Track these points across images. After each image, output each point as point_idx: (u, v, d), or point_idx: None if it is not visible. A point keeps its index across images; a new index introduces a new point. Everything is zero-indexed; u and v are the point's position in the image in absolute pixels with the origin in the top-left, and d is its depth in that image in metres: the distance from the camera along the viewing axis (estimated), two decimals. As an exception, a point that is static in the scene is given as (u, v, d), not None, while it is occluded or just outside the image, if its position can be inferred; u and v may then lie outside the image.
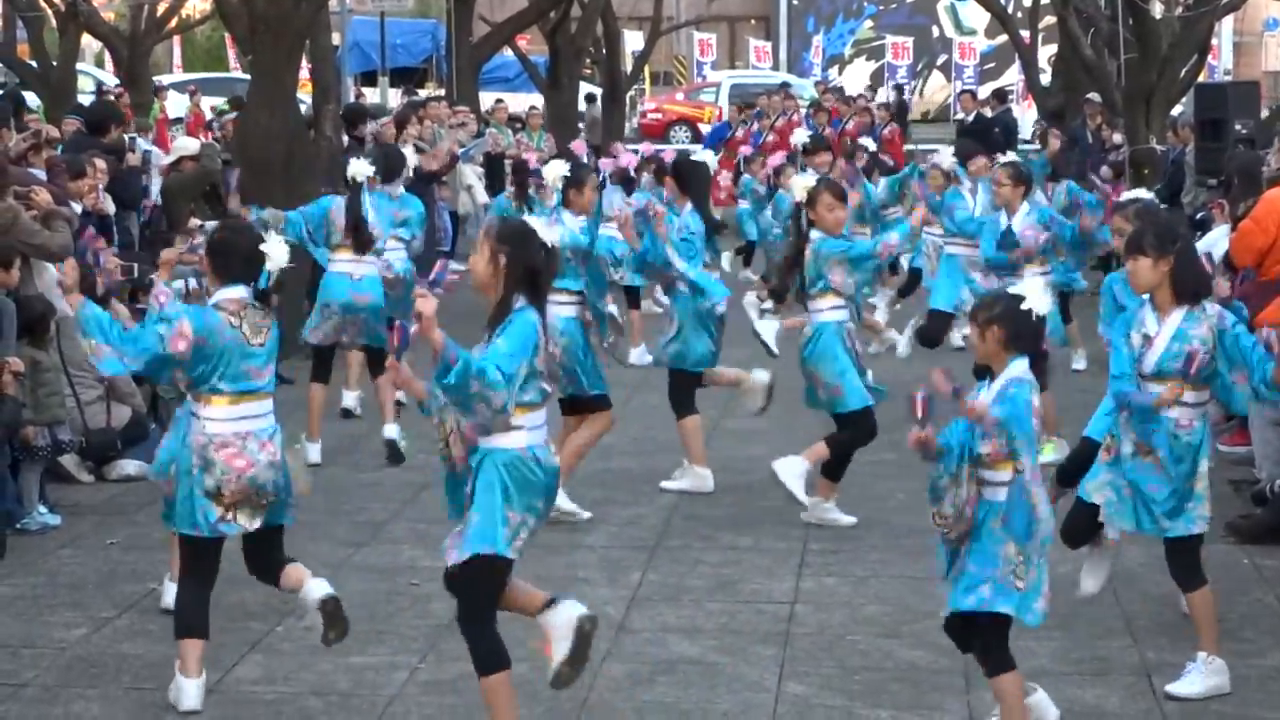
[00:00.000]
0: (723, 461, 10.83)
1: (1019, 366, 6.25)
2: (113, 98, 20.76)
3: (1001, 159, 11.97)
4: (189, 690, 6.87)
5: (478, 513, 6.09)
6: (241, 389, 6.80)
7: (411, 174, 15.53)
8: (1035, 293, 6.36)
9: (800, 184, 9.66)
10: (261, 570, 7.15)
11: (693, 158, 11.45)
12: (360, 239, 11.19)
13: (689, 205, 10.63)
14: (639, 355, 14.39)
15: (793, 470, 9.58)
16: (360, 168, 11.33)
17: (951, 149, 14.53)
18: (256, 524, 6.90)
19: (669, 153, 16.79)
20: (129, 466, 10.70)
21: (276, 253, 6.80)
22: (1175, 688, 7.08)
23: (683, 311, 10.42)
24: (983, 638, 6.29)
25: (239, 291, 6.81)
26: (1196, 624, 7.19)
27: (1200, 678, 7.08)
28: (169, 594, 8.02)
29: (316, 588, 6.97)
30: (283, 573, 7.07)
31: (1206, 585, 7.19)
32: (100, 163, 12.83)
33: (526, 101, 28.72)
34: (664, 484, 10.53)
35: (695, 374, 10.50)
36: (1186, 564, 7.20)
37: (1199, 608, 7.18)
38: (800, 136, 15.64)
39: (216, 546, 6.99)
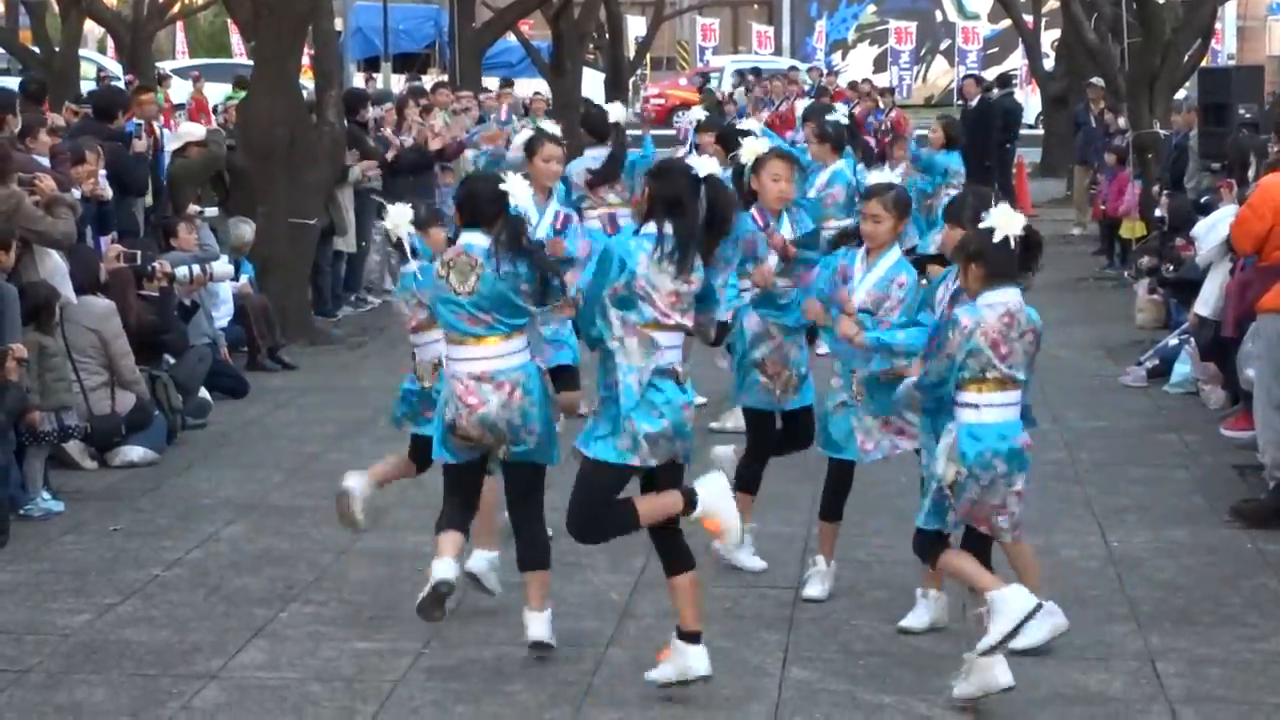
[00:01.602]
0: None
1: (999, 296, 6.59)
2: (124, 85, 20.72)
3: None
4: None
5: (598, 419, 6.66)
6: (466, 333, 7.00)
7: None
8: (1002, 218, 6.56)
9: (750, 147, 8.60)
10: (512, 508, 7.28)
11: (739, 125, 11.59)
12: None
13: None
14: None
15: (733, 539, 7.73)
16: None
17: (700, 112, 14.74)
18: (474, 453, 7.13)
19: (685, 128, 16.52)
20: (132, 453, 10.69)
21: (519, 189, 7.00)
22: (905, 623, 7.49)
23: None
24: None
25: (472, 236, 7.00)
26: (933, 574, 7.40)
27: (925, 614, 7.49)
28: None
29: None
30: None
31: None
32: (99, 149, 12.80)
33: (530, 87, 28.61)
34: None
35: None
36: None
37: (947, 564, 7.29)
38: (696, 113, 14.76)
39: (468, 473, 7.24)
